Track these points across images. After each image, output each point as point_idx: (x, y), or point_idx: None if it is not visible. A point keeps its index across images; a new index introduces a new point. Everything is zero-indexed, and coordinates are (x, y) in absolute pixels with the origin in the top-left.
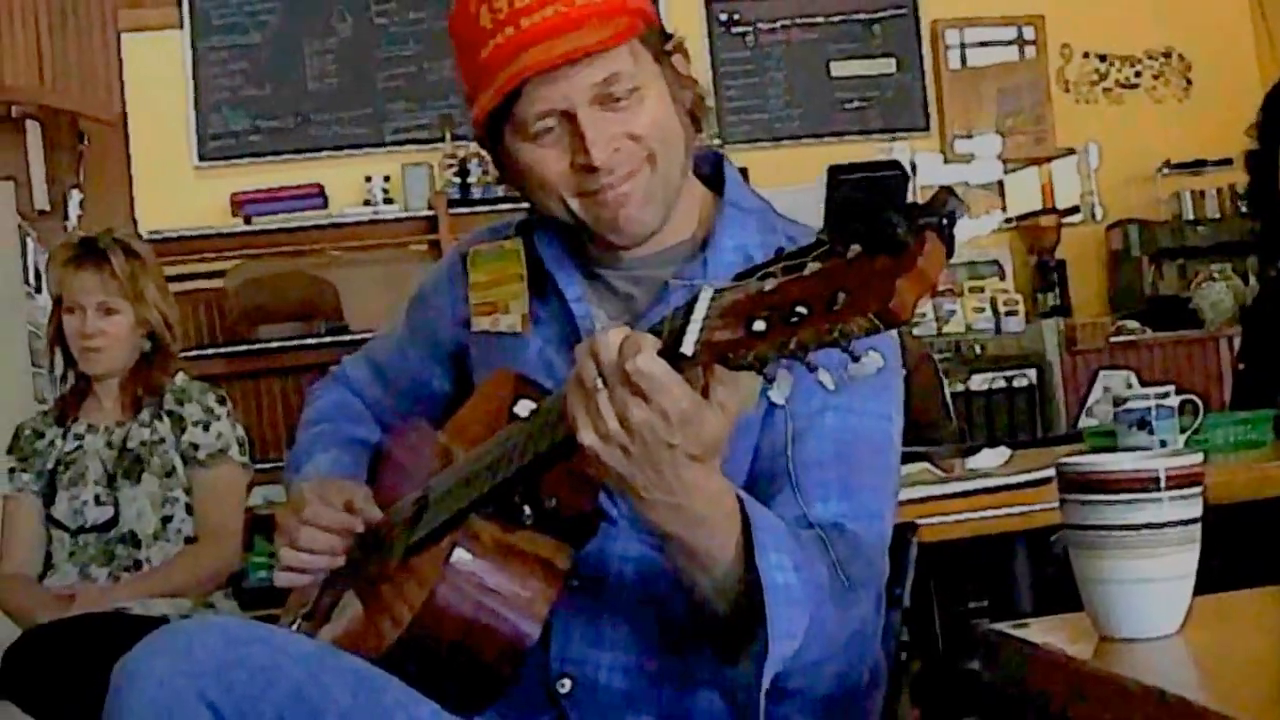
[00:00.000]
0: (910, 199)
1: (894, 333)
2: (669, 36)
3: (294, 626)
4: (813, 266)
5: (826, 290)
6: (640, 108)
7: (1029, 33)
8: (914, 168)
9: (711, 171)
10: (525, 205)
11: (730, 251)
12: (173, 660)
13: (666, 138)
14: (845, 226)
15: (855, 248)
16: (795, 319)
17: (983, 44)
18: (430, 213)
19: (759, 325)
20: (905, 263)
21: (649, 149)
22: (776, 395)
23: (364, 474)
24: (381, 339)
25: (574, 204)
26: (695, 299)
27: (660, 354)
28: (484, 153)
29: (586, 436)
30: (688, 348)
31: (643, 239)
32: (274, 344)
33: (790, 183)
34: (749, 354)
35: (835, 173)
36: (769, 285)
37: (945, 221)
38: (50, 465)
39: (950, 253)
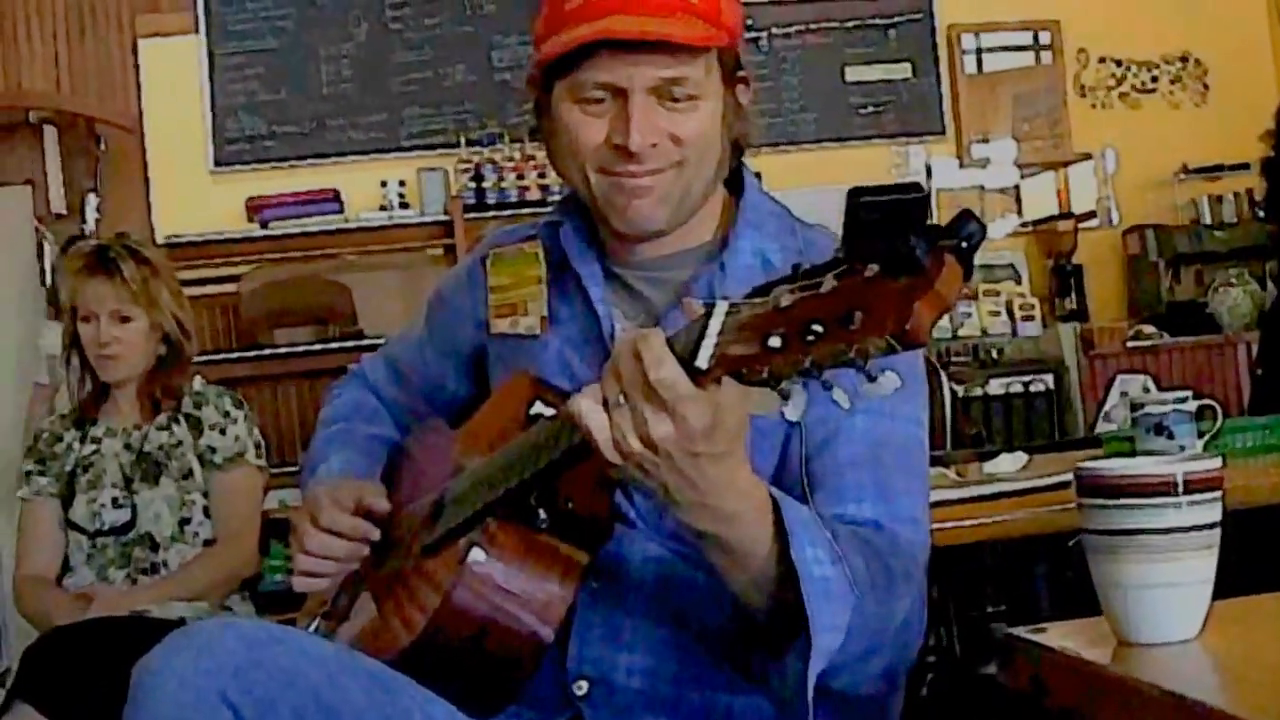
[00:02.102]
0: (930, 220)
1: None
2: (740, 66)
3: (312, 628)
4: (830, 284)
5: (843, 309)
6: (692, 115)
7: (1045, 37)
8: (929, 172)
9: (730, 176)
10: (541, 210)
11: (748, 255)
12: (193, 660)
13: (704, 153)
14: (863, 245)
15: (873, 267)
16: (811, 337)
17: (999, 49)
18: (446, 217)
19: (774, 341)
20: (923, 284)
21: (684, 155)
22: (791, 413)
23: (379, 475)
24: (401, 339)
25: (594, 179)
26: (710, 312)
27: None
28: (498, 158)
29: (611, 455)
30: (703, 361)
31: (646, 235)
32: (290, 348)
33: (805, 187)
34: (764, 370)
35: (855, 193)
36: (785, 301)
37: (964, 244)
38: (68, 468)
39: (969, 275)
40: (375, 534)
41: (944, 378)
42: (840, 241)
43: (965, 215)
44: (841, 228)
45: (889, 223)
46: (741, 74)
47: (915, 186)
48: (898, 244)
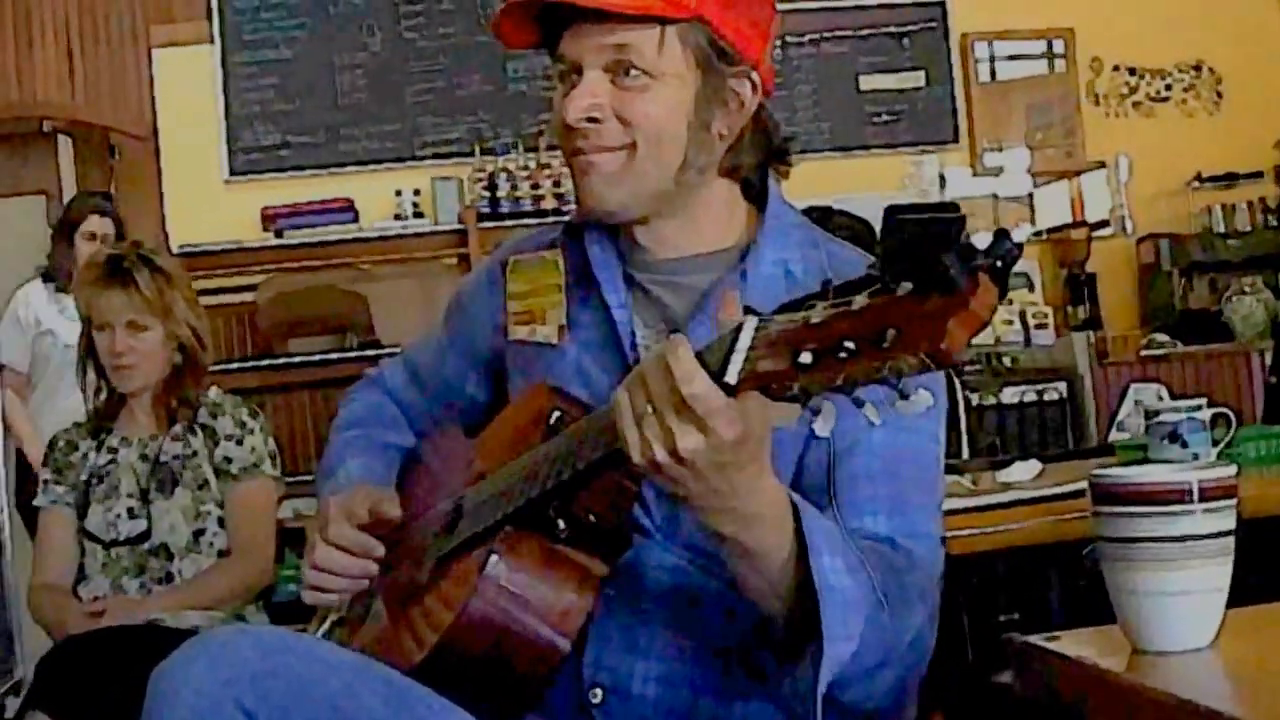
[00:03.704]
0: (965, 240)
1: None
2: (732, 59)
3: (323, 631)
4: (861, 301)
5: (876, 326)
6: (643, 96)
7: (1059, 46)
8: (943, 181)
9: (755, 186)
10: (557, 218)
11: (770, 264)
12: (209, 667)
13: (659, 139)
14: (899, 264)
15: (906, 285)
16: (843, 354)
17: (1012, 57)
18: (460, 226)
19: (805, 358)
20: (958, 303)
21: (632, 138)
22: (821, 428)
23: (394, 480)
24: (420, 343)
25: (568, 159)
26: (740, 327)
27: None
28: (512, 167)
29: (640, 464)
30: (731, 377)
31: (602, 218)
32: (305, 358)
33: (819, 196)
34: (793, 385)
35: (892, 211)
36: (816, 318)
37: (999, 263)
38: (84, 478)
39: (1003, 294)
40: (380, 551)
41: (959, 385)
42: (876, 259)
43: (1001, 234)
44: (878, 246)
45: (926, 242)
46: (735, 68)
47: (953, 206)
48: (934, 263)
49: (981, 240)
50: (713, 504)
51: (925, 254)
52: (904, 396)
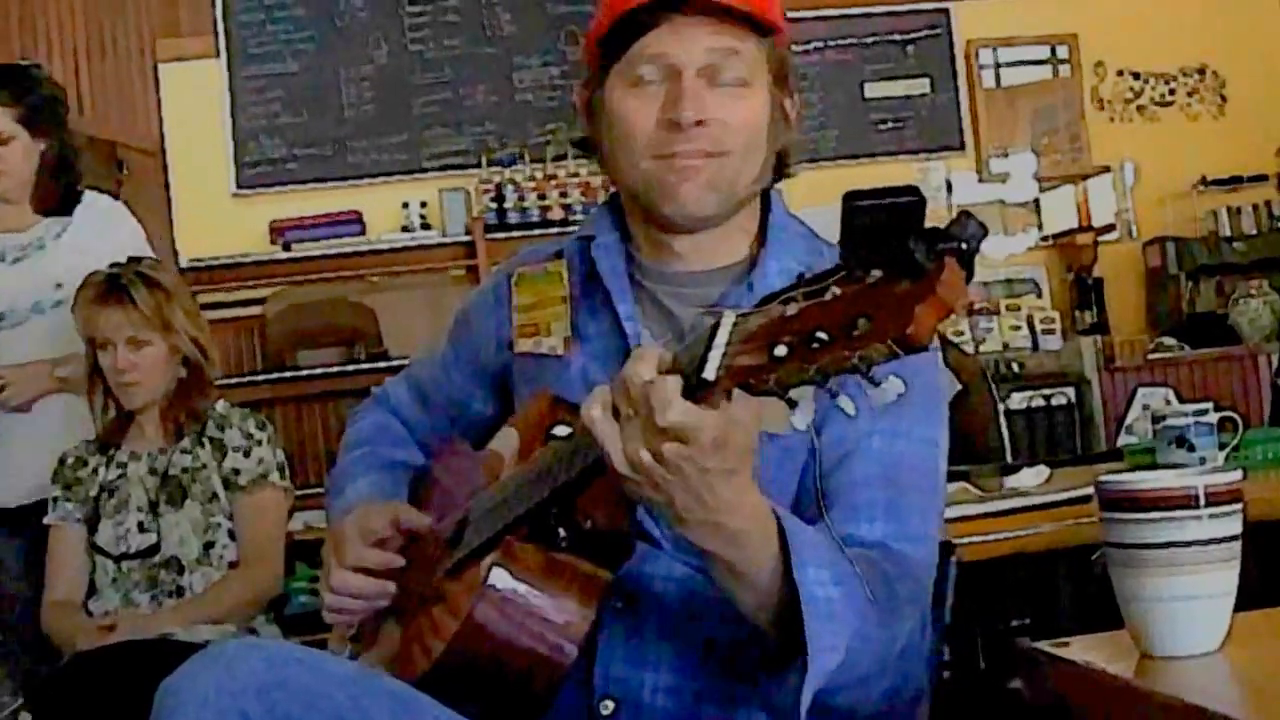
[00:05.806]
0: (929, 224)
1: (938, 359)
2: (788, 76)
3: (348, 653)
4: (833, 291)
5: (846, 316)
6: (741, 103)
7: (1063, 51)
8: (949, 187)
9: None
10: (563, 229)
11: (776, 274)
12: (216, 679)
13: (749, 147)
14: (863, 251)
15: (875, 273)
16: (816, 344)
17: (1017, 63)
18: (468, 238)
19: (780, 350)
20: (924, 288)
21: (731, 145)
22: (799, 421)
23: (404, 497)
24: (425, 359)
25: (645, 165)
26: (718, 324)
27: (683, 379)
28: (519, 178)
29: (622, 469)
30: (710, 374)
31: (692, 223)
32: (314, 370)
33: (824, 204)
34: (770, 379)
35: (851, 198)
36: (791, 310)
37: (965, 246)
38: (93, 493)
39: (970, 277)
40: (400, 562)
41: (995, 390)
42: (842, 249)
43: (964, 216)
44: (840, 235)
45: (887, 227)
46: (791, 82)
47: (911, 189)
48: (897, 248)
49: (945, 223)
50: (698, 516)
51: (888, 239)
52: (875, 384)
